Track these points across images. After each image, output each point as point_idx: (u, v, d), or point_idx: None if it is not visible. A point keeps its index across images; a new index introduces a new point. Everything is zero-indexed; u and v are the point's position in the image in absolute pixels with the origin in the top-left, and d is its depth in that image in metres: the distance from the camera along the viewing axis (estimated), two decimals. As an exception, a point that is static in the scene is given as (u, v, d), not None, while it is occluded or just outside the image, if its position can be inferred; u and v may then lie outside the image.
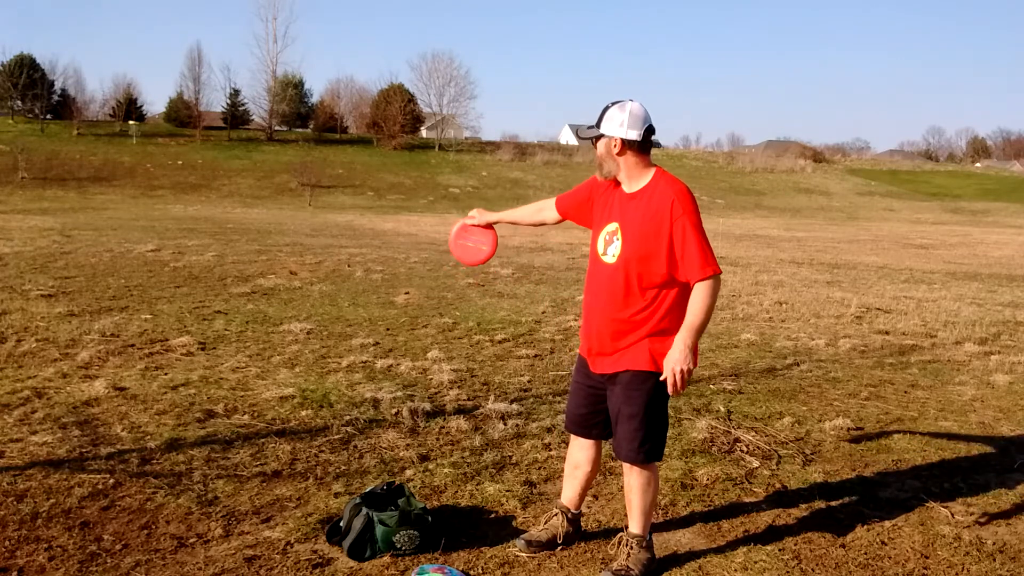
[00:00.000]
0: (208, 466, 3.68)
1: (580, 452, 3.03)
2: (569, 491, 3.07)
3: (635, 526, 2.87)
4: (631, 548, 2.85)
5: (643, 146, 2.75)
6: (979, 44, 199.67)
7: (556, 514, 3.06)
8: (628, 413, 2.75)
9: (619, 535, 2.95)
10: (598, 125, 2.76)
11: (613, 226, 2.80)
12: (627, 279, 2.72)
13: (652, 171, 2.77)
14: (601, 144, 2.77)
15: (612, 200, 2.84)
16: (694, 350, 2.61)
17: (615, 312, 2.75)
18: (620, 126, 2.71)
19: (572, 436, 3.06)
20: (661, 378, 2.64)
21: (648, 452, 2.78)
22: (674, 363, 2.59)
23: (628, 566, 2.81)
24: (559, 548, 2.99)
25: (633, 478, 2.83)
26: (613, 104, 2.75)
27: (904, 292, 10.75)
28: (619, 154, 2.74)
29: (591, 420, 2.95)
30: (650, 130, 2.74)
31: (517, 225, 3.37)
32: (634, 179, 2.77)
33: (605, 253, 2.81)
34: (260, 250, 12.79)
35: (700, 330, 2.62)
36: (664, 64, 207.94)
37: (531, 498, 3.46)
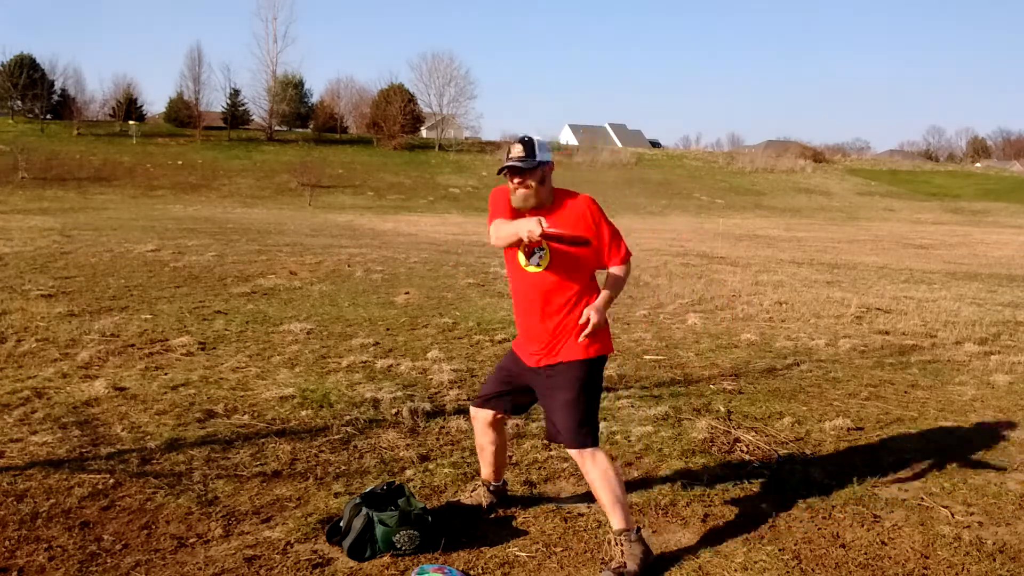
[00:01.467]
0: (208, 466, 3.68)
1: (483, 436, 3.28)
2: (485, 468, 3.35)
3: (614, 521, 2.93)
4: (622, 544, 2.88)
5: None
6: (979, 44, 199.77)
7: (479, 486, 3.38)
8: (565, 399, 2.98)
9: (607, 536, 3.00)
10: (534, 156, 2.94)
11: None
12: (558, 282, 2.99)
13: (551, 187, 3.05)
14: (538, 173, 2.95)
15: (521, 217, 3.00)
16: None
17: (548, 313, 3.00)
18: (548, 152, 3.01)
19: (475, 419, 3.28)
20: (581, 321, 2.95)
21: (588, 434, 2.97)
22: (596, 316, 2.93)
23: (624, 563, 2.83)
24: (489, 515, 3.29)
25: (588, 471, 2.97)
26: (528, 137, 2.98)
27: (904, 292, 10.75)
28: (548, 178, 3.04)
29: (503, 397, 3.21)
30: None
31: None
32: (548, 196, 3.01)
33: (528, 263, 3.03)
34: (260, 250, 12.79)
35: (615, 298, 3.07)
36: (664, 64, 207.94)
37: (531, 498, 3.46)
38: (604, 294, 3.04)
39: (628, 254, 3.09)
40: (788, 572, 2.89)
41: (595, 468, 2.95)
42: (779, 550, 3.05)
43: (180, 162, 42.09)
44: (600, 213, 3.03)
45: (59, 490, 3.34)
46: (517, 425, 4.40)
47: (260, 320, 7.16)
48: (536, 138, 3.00)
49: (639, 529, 2.95)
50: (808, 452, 4.18)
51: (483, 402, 3.25)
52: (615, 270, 3.08)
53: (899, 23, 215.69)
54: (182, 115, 51.87)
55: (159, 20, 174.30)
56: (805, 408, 5.01)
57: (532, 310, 3.03)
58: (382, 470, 3.73)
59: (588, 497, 3.50)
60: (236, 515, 3.20)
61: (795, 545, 3.10)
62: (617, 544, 2.90)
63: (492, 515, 3.30)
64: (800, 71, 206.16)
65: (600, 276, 3.09)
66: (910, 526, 3.30)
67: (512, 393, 3.19)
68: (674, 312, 8.45)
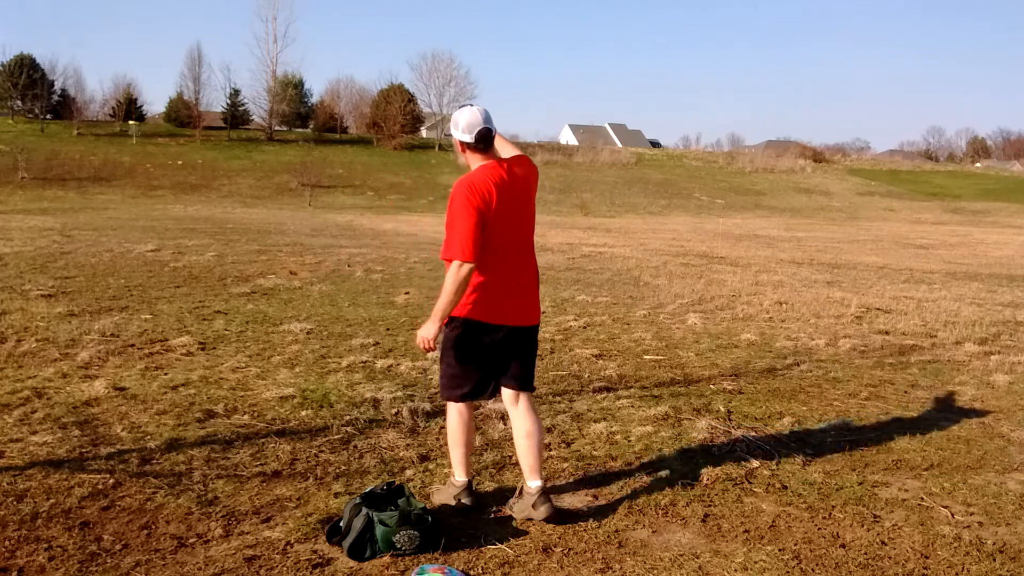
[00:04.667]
0: (208, 466, 3.68)
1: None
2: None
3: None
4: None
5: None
6: (979, 44, 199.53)
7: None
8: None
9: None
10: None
11: None
12: None
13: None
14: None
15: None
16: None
17: None
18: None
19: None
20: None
21: (440, 389, 3.35)
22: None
23: (429, 494, 3.41)
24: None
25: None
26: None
27: (904, 292, 10.75)
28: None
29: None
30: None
31: None
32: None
33: None
34: (260, 250, 12.79)
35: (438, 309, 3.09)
36: (664, 63, 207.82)
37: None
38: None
39: (451, 258, 3.02)
40: (788, 572, 2.89)
41: (447, 417, 3.36)
42: (779, 550, 3.05)
43: (180, 162, 42.07)
44: (451, 202, 3.06)
45: (59, 490, 3.34)
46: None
47: (260, 320, 7.16)
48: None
49: (464, 480, 3.32)
50: (808, 452, 4.18)
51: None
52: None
53: (899, 23, 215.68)
54: (182, 115, 51.79)
55: (159, 20, 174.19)
56: (805, 408, 5.01)
57: None
58: (382, 470, 3.74)
59: (588, 497, 3.50)
60: (236, 515, 3.20)
61: (795, 545, 3.10)
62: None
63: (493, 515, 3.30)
64: (800, 71, 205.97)
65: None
66: (910, 526, 3.30)
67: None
68: (674, 312, 8.45)
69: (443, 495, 3.37)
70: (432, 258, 12.76)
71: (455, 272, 3.00)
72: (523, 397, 3.29)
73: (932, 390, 5.58)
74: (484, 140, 3.07)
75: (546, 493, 3.21)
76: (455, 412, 3.31)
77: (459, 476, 3.35)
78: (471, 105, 3.10)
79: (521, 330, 3.22)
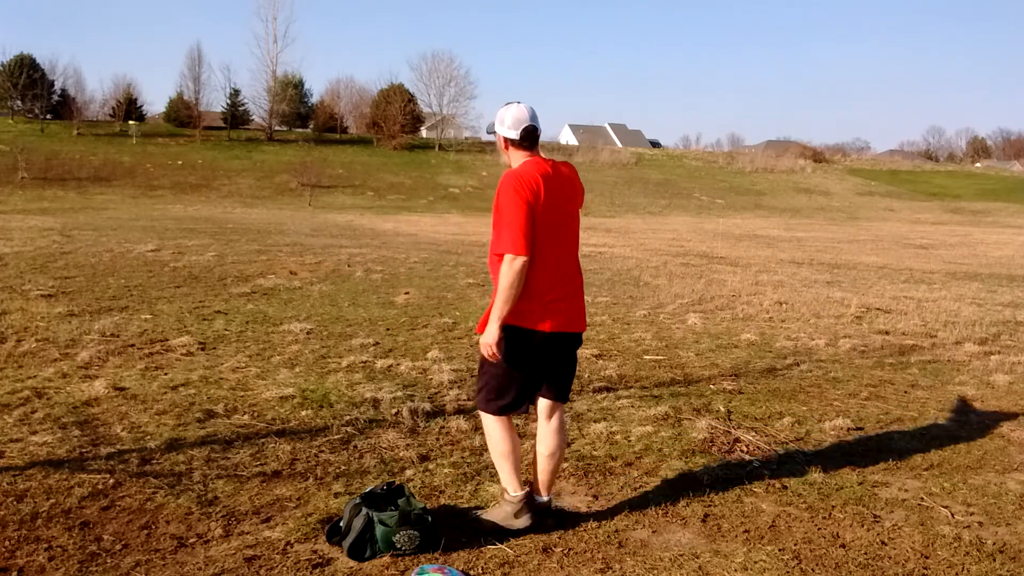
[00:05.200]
0: (208, 466, 3.68)
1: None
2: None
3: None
4: (498, 501, 3.19)
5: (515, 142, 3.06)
6: (979, 44, 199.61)
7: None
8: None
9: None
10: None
11: None
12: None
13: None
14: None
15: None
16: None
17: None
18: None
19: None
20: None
21: (479, 401, 3.17)
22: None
23: (476, 516, 3.18)
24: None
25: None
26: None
27: (904, 292, 10.75)
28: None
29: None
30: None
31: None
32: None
33: None
34: (260, 250, 12.79)
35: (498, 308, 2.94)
36: (664, 64, 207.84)
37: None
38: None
39: (502, 252, 2.89)
40: (788, 572, 2.89)
41: (485, 430, 3.19)
42: (779, 550, 3.05)
43: (180, 162, 42.06)
44: (498, 196, 2.93)
45: (59, 490, 3.34)
46: (517, 425, 4.40)
47: (260, 320, 7.16)
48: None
49: (522, 494, 3.10)
50: (808, 452, 4.18)
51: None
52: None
53: (899, 23, 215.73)
54: (182, 115, 51.79)
55: (159, 20, 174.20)
56: (805, 408, 5.01)
57: None
58: (382, 470, 3.74)
59: (588, 498, 3.50)
60: (236, 515, 3.20)
61: (795, 545, 3.10)
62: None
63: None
64: (800, 71, 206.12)
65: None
66: (910, 526, 3.30)
67: None
68: (674, 312, 8.45)
69: (497, 515, 3.13)
70: (432, 258, 12.76)
71: (508, 266, 2.87)
72: (558, 411, 3.17)
73: (932, 390, 5.58)
74: (530, 137, 3.01)
75: (548, 508, 3.19)
76: (496, 422, 3.12)
77: (514, 490, 3.12)
78: (518, 103, 3.02)
79: (572, 337, 3.10)
